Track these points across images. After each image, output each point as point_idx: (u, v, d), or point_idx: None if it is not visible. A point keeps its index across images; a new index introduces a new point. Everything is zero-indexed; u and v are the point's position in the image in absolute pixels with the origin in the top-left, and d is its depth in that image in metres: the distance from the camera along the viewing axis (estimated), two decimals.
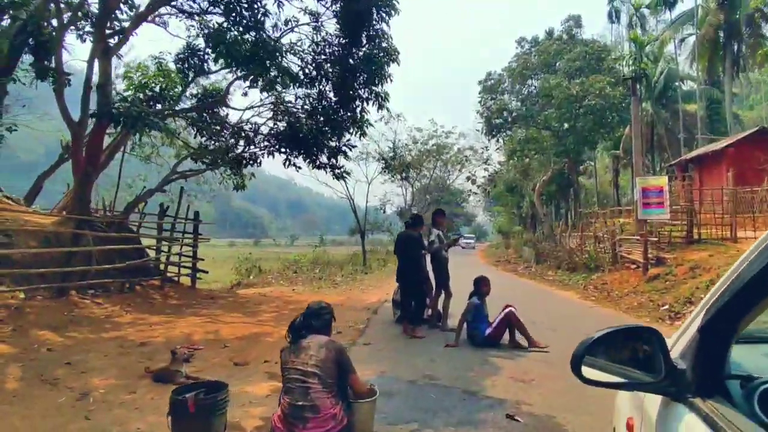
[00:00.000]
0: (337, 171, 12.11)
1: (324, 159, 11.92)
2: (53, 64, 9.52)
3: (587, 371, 1.18)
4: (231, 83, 11.30)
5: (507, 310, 6.00)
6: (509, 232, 45.35)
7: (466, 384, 4.47)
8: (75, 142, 9.75)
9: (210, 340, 6.59)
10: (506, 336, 6.07)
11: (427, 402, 4.03)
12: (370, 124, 12.78)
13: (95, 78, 9.47)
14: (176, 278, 11.84)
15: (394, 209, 47.74)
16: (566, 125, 24.90)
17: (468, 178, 32.80)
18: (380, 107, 12.14)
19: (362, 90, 11.84)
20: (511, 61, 29.79)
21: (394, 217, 47.00)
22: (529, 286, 14.64)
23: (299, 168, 11.98)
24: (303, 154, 11.34)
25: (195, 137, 13.39)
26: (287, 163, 11.45)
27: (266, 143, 11.32)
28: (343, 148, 12.01)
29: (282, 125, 11.37)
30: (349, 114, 12.12)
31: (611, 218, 20.01)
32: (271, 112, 11.79)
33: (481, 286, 6.36)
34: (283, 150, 11.26)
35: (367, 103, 12.09)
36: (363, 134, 12.76)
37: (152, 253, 11.35)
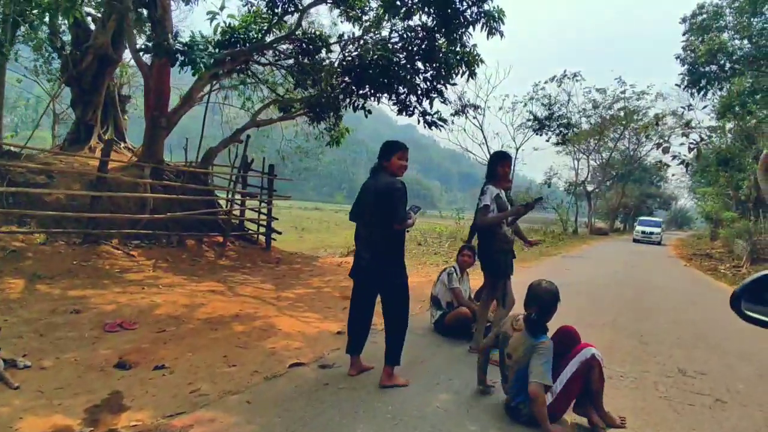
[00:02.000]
0: (428, 118, 9.38)
1: (413, 100, 9.33)
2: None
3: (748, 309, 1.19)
4: (306, 8, 9.35)
5: (588, 353, 2.85)
6: (720, 219, 35.08)
7: None
8: (146, 86, 9.32)
9: (174, 317, 5.04)
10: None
11: None
12: (482, 61, 9.65)
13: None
14: (254, 237, 10.96)
15: (563, 184, 41.73)
16: None
17: (659, 146, 25.36)
18: (491, 32, 8.93)
19: (467, 7, 8.81)
20: None
21: (560, 193, 40.98)
22: (721, 296, 9.68)
23: (369, 112, 9.60)
24: (380, 93, 8.94)
25: (296, 88, 12.16)
26: (353, 106, 9.22)
27: (337, 82, 9.20)
28: (439, 86, 9.21)
29: (350, 56, 9.10)
30: (449, 42, 9.24)
31: None
32: (354, 50, 9.61)
33: (542, 308, 2.87)
34: (359, 90, 9.03)
35: (474, 27, 9.01)
36: (472, 74, 9.72)
37: (230, 209, 10.64)
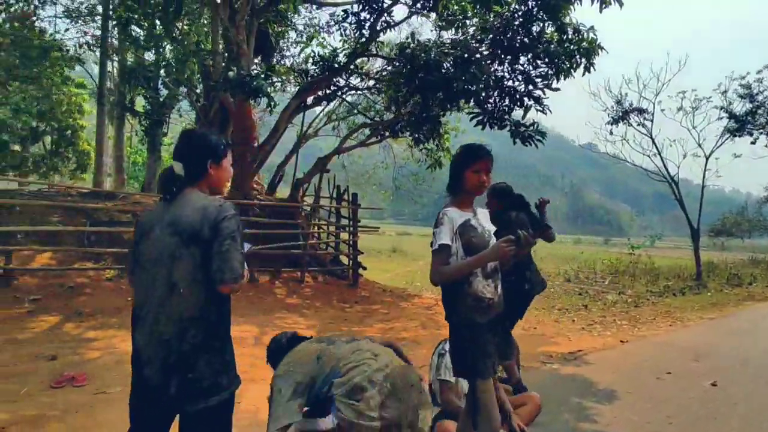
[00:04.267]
0: (523, 130, 7.27)
1: (505, 106, 7.44)
2: None
3: None
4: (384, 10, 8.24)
5: None
6: None
7: None
8: (233, 122, 9.61)
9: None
10: None
11: None
12: (601, 48, 7.32)
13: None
14: (344, 272, 10.22)
15: None
16: None
17: None
18: (604, 2, 6.66)
19: None
20: None
21: None
22: None
23: (432, 128, 7.87)
24: (459, 100, 7.29)
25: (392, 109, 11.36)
26: (418, 118, 7.60)
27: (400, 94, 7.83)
28: (536, 92, 7.19)
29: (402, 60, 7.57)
30: (558, 29, 7.21)
31: None
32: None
33: None
34: (430, 100, 7.51)
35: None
36: (590, 67, 7.43)
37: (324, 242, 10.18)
